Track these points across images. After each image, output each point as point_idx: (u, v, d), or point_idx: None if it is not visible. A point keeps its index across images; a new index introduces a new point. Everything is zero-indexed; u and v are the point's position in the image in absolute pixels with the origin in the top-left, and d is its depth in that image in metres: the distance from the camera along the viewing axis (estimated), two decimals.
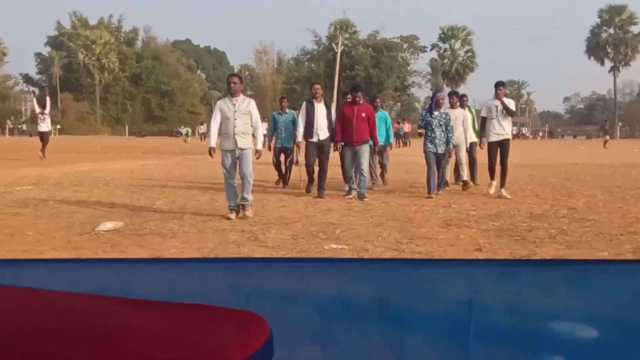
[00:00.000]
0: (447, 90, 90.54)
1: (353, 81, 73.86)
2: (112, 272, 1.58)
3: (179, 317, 1.26)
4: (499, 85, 12.36)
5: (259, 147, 9.62)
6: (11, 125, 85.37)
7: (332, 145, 12.38)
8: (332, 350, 1.30)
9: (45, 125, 23.84)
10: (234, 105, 9.26)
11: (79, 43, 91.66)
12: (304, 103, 12.67)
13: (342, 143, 11.92)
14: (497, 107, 12.10)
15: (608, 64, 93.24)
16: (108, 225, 8.27)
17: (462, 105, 14.60)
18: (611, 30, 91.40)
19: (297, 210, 10.11)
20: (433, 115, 12.30)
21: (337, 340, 1.31)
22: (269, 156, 14.45)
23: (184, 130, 66.22)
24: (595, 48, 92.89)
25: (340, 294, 1.40)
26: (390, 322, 1.30)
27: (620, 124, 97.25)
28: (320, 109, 12.28)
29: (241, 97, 9.46)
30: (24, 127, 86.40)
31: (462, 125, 13.65)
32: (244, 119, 9.29)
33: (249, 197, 9.26)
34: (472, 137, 14.25)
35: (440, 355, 1.27)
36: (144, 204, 10.82)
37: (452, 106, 13.81)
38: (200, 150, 28.03)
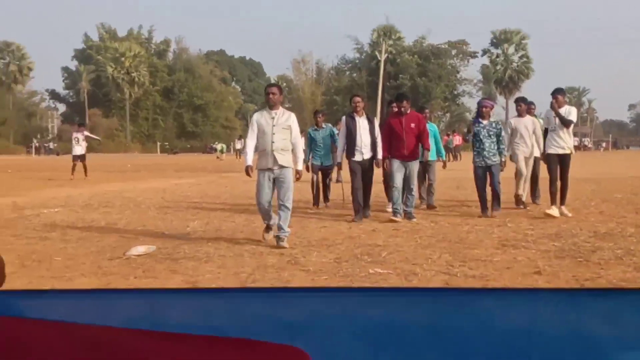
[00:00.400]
0: (500, 99, 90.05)
1: (398, 91, 74.00)
2: (145, 303, 1.59)
3: (215, 352, 1.28)
4: (556, 93, 11.73)
5: (300, 166, 9.08)
6: (37, 144, 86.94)
7: (375, 162, 11.68)
8: None
9: (80, 147, 24.89)
10: (273, 118, 8.66)
11: (108, 56, 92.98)
12: (344, 118, 12.02)
13: (390, 158, 11.36)
14: (555, 117, 11.56)
15: None
16: (140, 249, 8.36)
17: (529, 113, 13.70)
18: None
19: (339, 231, 10.08)
20: (481, 125, 11.78)
21: None
22: (307, 175, 13.25)
23: (218, 146, 65.13)
24: None
25: (388, 326, 1.40)
26: (443, 357, 1.30)
27: None
28: (362, 124, 11.48)
29: (280, 109, 8.89)
30: (51, 145, 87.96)
31: (534, 134, 12.64)
32: (283, 134, 8.67)
33: (286, 228, 8.59)
34: (536, 151, 13.21)
35: None
36: (178, 226, 10.92)
37: (520, 114, 13.01)
38: (236, 167, 28.20)
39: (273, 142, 8.55)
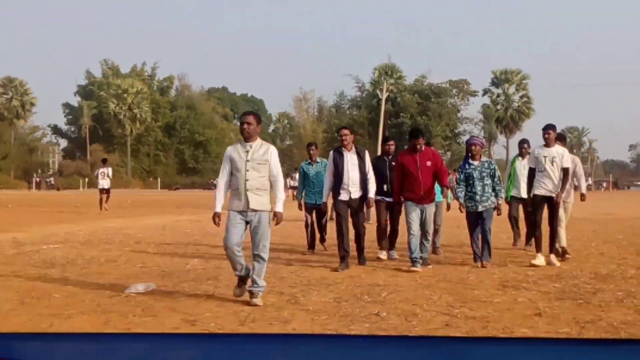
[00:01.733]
0: (501, 138, 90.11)
1: (399, 130, 74.21)
2: (143, 347, 1.59)
3: None
4: (547, 128, 10.77)
5: (279, 207, 7.55)
6: (38, 179, 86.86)
7: (365, 203, 10.46)
8: None
9: (105, 181, 27.09)
10: (247, 152, 7.33)
11: (110, 92, 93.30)
12: (331, 152, 10.49)
13: (405, 201, 10.33)
14: (545, 157, 10.67)
15: None
16: (139, 287, 8.32)
17: (522, 155, 13.07)
18: None
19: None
20: (472, 166, 10.57)
21: None
22: (300, 214, 13.28)
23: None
24: None
25: None
26: None
27: None
28: (351, 159, 10.10)
29: (258, 141, 7.50)
30: (52, 180, 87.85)
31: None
32: (259, 171, 7.32)
33: (261, 282, 7.33)
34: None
35: None
36: (177, 264, 10.89)
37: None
38: None
39: (247, 180, 7.25)
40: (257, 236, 7.30)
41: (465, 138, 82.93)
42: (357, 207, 10.24)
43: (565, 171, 10.71)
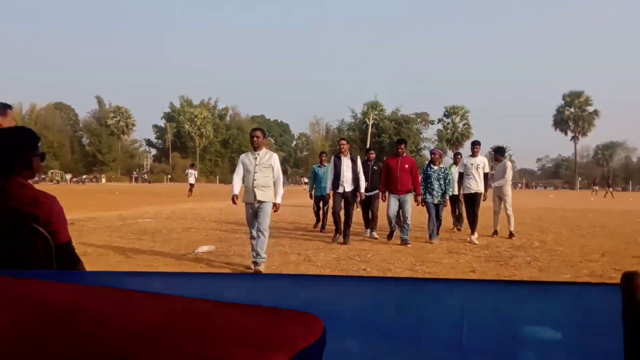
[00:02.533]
0: (449, 152, 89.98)
1: (380, 146, 74.16)
2: (208, 283, 1.62)
3: (257, 316, 1.29)
4: (475, 144, 10.79)
5: (278, 200, 7.16)
6: (136, 175, 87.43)
7: (357, 194, 9.85)
8: (365, 341, 1.31)
9: (192, 178, 29.56)
10: (255, 158, 7.06)
11: (185, 117, 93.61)
12: (332, 157, 10.05)
13: (387, 192, 9.98)
14: (472, 164, 10.47)
15: (570, 134, 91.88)
16: (204, 248, 8.37)
17: (456, 163, 12.14)
18: (572, 109, 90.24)
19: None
20: (433, 169, 10.10)
21: (369, 335, 1.33)
22: (310, 202, 13.33)
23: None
24: (560, 122, 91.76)
25: (370, 302, 1.42)
26: (406, 324, 1.31)
27: (579, 179, 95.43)
28: (346, 162, 9.68)
29: (263, 150, 7.15)
30: (145, 176, 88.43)
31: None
32: (264, 173, 7.02)
33: (262, 254, 6.83)
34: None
35: (440, 344, 1.27)
36: (230, 233, 10.92)
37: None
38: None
39: (254, 179, 6.97)
40: (260, 217, 6.92)
41: (425, 152, 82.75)
42: (350, 197, 9.66)
43: (485, 175, 10.56)
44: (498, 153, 11.41)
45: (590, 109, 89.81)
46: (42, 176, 75.79)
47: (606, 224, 14.93)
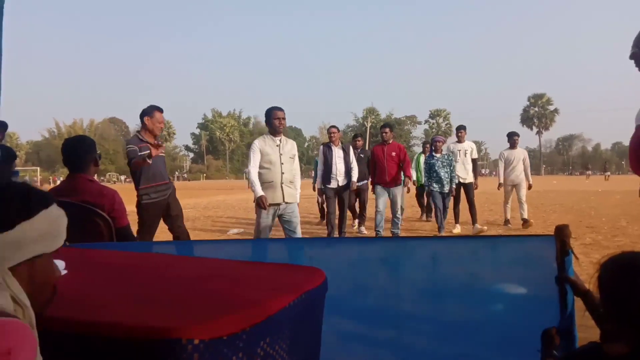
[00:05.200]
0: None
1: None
2: (242, 247, 1.70)
3: (273, 269, 1.38)
4: (460, 128, 8.54)
5: (298, 199, 4.81)
6: (178, 175, 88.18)
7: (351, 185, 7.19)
8: (357, 286, 1.40)
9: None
10: (278, 146, 4.62)
11: (216, 126, 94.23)
12: (321, 147, 7.43)
13: (375, 184, 7.51)
14: (459, 150, 8.30)
15: (535, 129, 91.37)
16: (235, 230, 8.46)
17: (424, 152, 10.20)
18: (536, 109, 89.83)
19: None
20: (436, 157, 7.82)
21: (356, 281, 1.41)
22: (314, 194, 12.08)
23: None
24: (526, 119, 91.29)
25: (362, 257, 1.50)
26: (389, 273, 1.39)
27: (544, 166, 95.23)
28: (337, 153, 7.14)
29: (282, 137, 4.73)
30: (185, 175, 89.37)
31: (522, 163, 8.54)
32: (290, 164, 4.67)
33: None
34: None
35: (416, 287, 1.35)
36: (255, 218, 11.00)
37: (512, 146, 8.66)
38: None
39: (283, 173, 4.55)
40: (291, 226, 4.61)
41: (415, 148, 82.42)
42: (343, 192, 7.10)
43: (474, 161, 8.35)
44: (516, 136, 8.75)
45: (551, 107, 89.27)
46: (102, 178, 76.74)
47: (565, 201, 14.88)
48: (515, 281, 1.33)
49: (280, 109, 4.66)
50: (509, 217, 8.73)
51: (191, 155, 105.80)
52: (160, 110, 4.60)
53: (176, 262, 1.42)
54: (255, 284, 1.19)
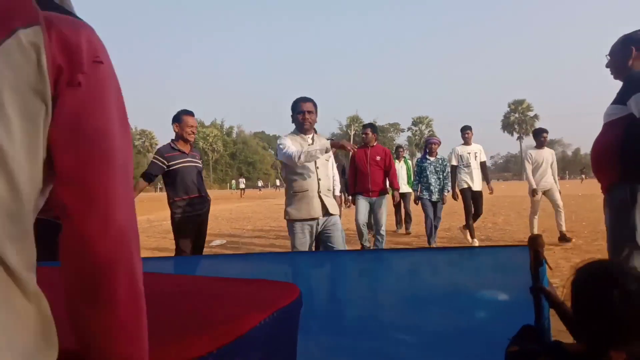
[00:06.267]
0: (417, 154, 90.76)
1: None
2: (210, 263, 1.67)
3: (249, 285, 1.36)
4: (466, 129, 7.26)
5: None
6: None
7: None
8: (335, 300, 1.38)
9: (242, 184, 36.13)
10: (310, 145, 3.53)
11: (199, 136, 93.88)
12: None
13: (355, 194, 6.17)
14: (469, 153, 7.14)
15: (515, 135, 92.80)
16: (217, 241, 8.39)
17: (399, 157, 9.01)
18: (517, 115, 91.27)
19: None
20: (429, 161, 6.97)
21: (338, 296, 1.39)
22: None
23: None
24: (507, 126, 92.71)
25: (340, 271, 1.49)
26: (367, 285, 1.38)
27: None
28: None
29: (316, 135, 3.70)
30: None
31: (550, 166, 7.18)
32: (326, 168, 3.65)
33: None
34: (406, 188, 8.62)
35: (394, 299, 1.35)
36: (238, 229, 10.92)
37: (540, 145, 7.21)
38: (275, 195, 28.08)
39: (319, 179, 3.51)
40: (335, 241, 3.52)
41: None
42: None
43: (483, 165, 7.28)
44: (545, 133, 7.30)
45: (531, 114, 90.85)
46: None
47: (546, 206, 15.07)
48: (493, 291, 1.33)
49: (307, 100, 3.55)
50: (535, 231, 7.18)
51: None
52: (189, 114, 4.29)
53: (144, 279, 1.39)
54: (226, 302, 1.17)
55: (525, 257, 1.25)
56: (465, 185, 7.02)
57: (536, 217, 7.38)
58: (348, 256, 1.62)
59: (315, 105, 3.59)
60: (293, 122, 3.59)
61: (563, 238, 6.93)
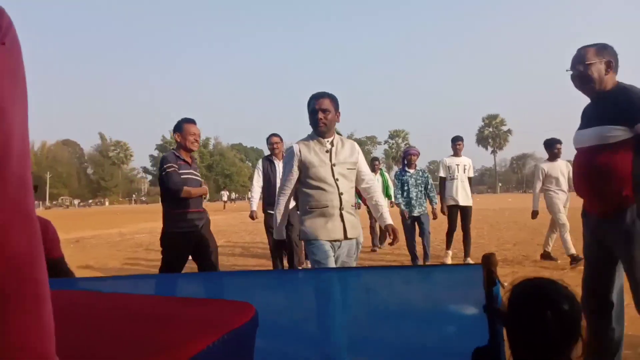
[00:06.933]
0: (395, 167, 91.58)
1: None
2: (167, 282, 1.64)
3: (202, 305, 1.33)
4: (457, 139, 6.85)
5: (389, 219, 2.85)
6: (135, 198, 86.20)
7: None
8: (292, 320, 1.36)
9: (225, 197, 38.10)
10: (328, 152, 2.83)
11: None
12: (260, 161, 5.72)
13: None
14: (457, 165, 6.70)
15: (490, 149, 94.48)
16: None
17: (375, 170, 8.58)
18: (490, 129, 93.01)
19: None
20: (409, 174, 6.45)
21: (296, 315, 1.37)
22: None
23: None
24: (482, 139, 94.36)
25: (297, 289, 1.47)
26: (325, 304, 1.37)
27: (499, 184, 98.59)
28: (281, 169, 4.51)
29: (336, 137, 2.94)
30: (143, 198, 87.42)
31: (567, 181, 6.49)
32: (349, 179, 2.85)
33: None
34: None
35: (350, 317, 1.34)
36: None
37: (553, 158, 6.59)
38: (245, 208, 27.95)
39: (341, 193, 2.77)
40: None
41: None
42: (292, 223, 5.07)
43: (469, 180, 6.79)
44: (559, 144, 6.66)
45: (505, 128, 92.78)
46: (54, 202, 73.95)
47: (519, 219, 15.34)
48: (448, 311, 1.33)
49: (321, 96, 2.83)
50: (549, 249, 6.84)
51: (149, 177, 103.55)
52: (190, 121, 4.03)
53: (92, 300, 1.35)
54: (175, 324, 1.13)
55: (480, 276, 1.25)
56: (452, 202, 6.61)
57: (554, 234, 6.78)
58: (307, 275, 1.60)
59: (333, 101, 2.85)
60: (310, 123, 2.90)
61: (574, 260, 6.04)
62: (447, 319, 1.31)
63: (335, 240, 2.74)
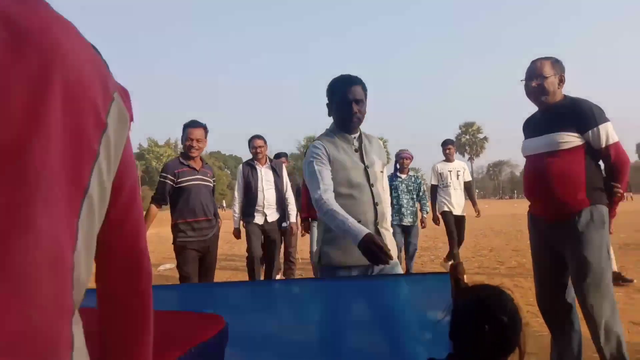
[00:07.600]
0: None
1: None
2: (174, 294, 1.61)
3: (175, 318, 1.31)
4: (447, 143, 6.42)
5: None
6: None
7: (289, 226, 5.05)
8: (256, 330, 1.35)
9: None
10: (357, 152, 2.14)
11: (152, 156, 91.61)
12: (241, 166, 5.13)
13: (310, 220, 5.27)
14: (450, 171, 6.25)
15: (467, 156, 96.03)
16: (167, 265, 8.14)
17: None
18: (467, 136, 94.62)
19: None
20: (400, 179, 5.93)
21: (268, 326, 1.37)
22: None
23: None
24: (459, 147, 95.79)
25: (269, 300, 1.46)
26: (295, 314, 1.36)
27: (477, 191, 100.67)
28: (265, 174, 4.91)
29: (360, 132, 2.22)
30: None
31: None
32: (382, 185, 2.17)
33: None
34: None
35: (320, 329, 1.34)
36: None
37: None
38: (223, 216, 27.59)
39: (376, 203, 2.06)
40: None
41: None
42: (273, 232, 4.89)
43: (467, 184, 6.42)
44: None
45: (481, 135, 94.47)
46: None
47: (494, 225, 15.58)
48: (416, 319, 1.34)
49: (355, 82, 2.18)
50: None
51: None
52: (191, 125, 3.77)
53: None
54: (156, 336, 1.12)
55: (448, 285, 1.27)
56: (446, 209, 6.09)
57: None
58: (282, 286, 1.60)
59: (365, 89, 2.20)
60: (330, 114, 2.24)
61: (620, 278, 5.13)
62: (415, 328, 1.32)
63: (368, 266, 1.89)
